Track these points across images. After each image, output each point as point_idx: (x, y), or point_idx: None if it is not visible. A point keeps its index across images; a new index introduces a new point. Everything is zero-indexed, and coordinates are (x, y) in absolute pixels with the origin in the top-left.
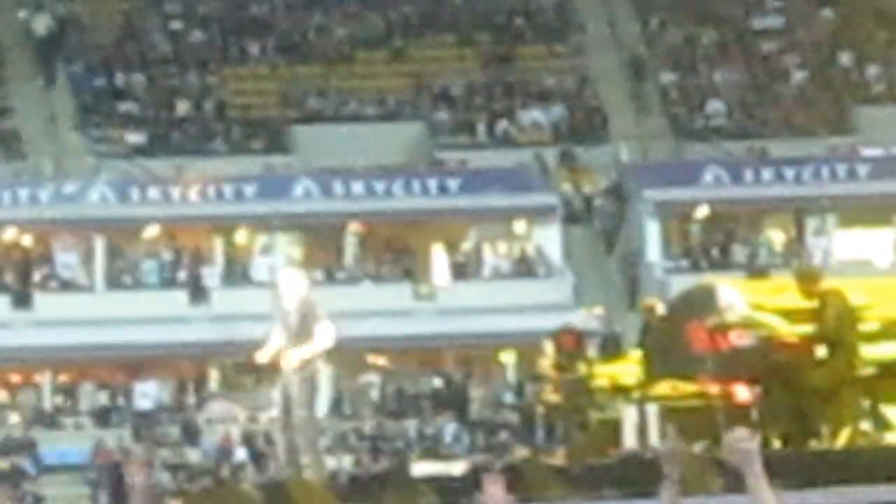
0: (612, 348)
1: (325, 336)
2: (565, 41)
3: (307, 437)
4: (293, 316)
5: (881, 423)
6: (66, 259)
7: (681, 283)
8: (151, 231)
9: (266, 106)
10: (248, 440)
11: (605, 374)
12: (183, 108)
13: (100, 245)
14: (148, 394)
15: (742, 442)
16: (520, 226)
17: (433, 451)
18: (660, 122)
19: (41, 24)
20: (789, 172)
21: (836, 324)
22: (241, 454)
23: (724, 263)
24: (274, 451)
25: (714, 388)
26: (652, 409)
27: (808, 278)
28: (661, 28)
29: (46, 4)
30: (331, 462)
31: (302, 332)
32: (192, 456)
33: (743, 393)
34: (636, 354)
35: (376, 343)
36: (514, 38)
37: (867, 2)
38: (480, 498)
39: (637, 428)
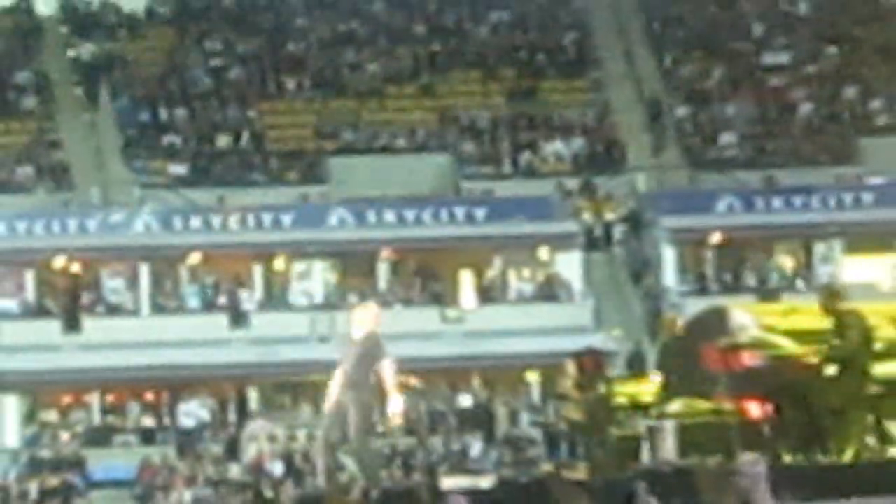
0: (637, 366)
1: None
2: (585, 76)
3: (362, 457)
4: (357, 348)
5: (885, 439)
6: (113, 285)
7: (695, 306)
8: (193, 258)
9: (302, 138)
10: (286, 457)
11: (624, 392)
12: (223, 140)
13: (144, 271)
14: (191, 413)
15: (749, 465)
16: (543, 252)
17: (461, 466)
18: (675, 153)
19: (86, 53)
20: (798, 200)
21: (857, 342)
22: (278, 469)
23: (735, 287)
24: (311, 467)
25: (728, 406)
26: (669, 426)
27: (831, 296)
28: (675, 64)
29: (94, 40)
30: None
31: (363, 363)
32: (233, 472)
33: (755, 410)
34: (654, 374)
35: (407, 364)
36: (536, 74)
37: (870, 38)
38: None
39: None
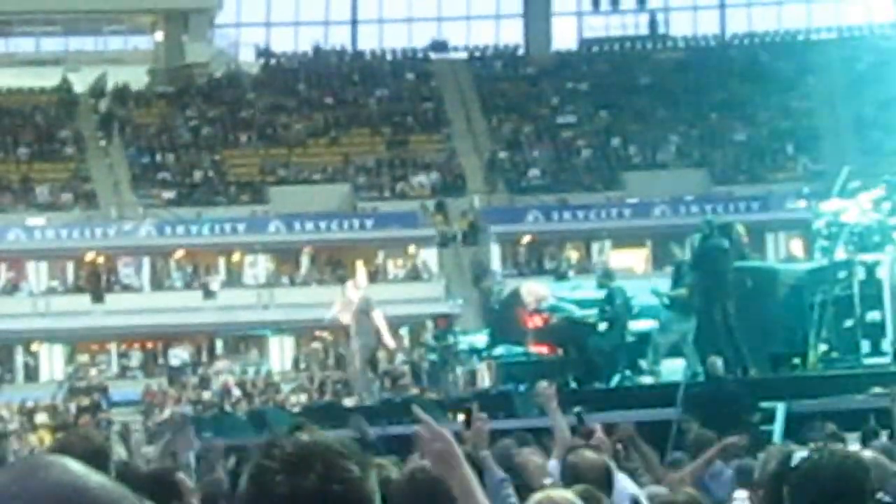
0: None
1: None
2: (439, 132)
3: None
4: (356, 306)
5: (637, 372)
6: (125, 272)
7: (513, 284)
8: (179, 254)
9: (251, 174)
10: (241, 385)
11: (465, 341)
12: (198, 175)
13: (146, 263)
14: (177, 356)
15: (544, 389)
16: (411, 249)
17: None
18: (500, 183)
19: (107, 117)
20: (581, 214)
21: (620, 307)
22: (236, 393)
23: (539, 271)
24: (258, 391)
25: (535, 350)
26: (494, 364)
27: (605, 277)
28: (499, 123)
29: (112, 108)
30: (293, 399)
31: (362, 316)
32: (205, 395)
33: (552, 352)
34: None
35: (320, 324)
36: (406, 130)
37: (629, 106)
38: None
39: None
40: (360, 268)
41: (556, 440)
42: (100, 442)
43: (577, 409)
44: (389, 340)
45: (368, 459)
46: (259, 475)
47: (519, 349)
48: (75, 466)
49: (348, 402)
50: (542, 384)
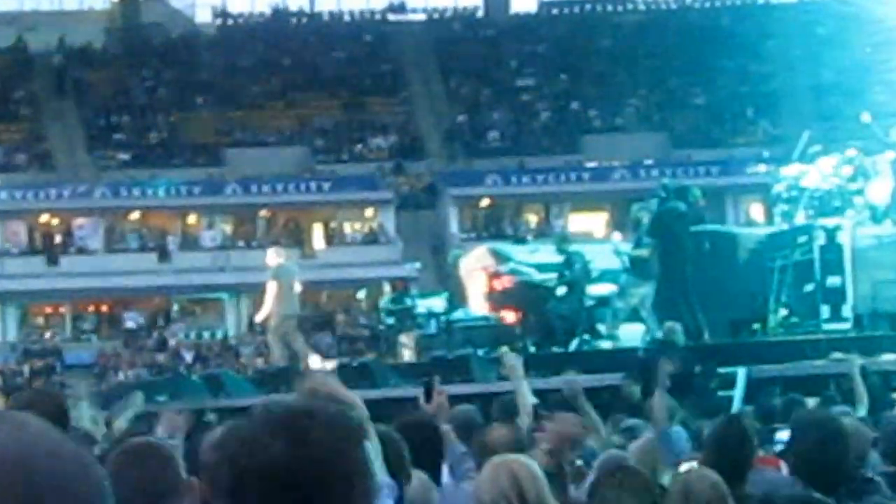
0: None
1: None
2: (397, 94)
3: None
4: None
5: (596, 336)
6: (80, 233)
7: (470, 247)
8: (134, 215)
9: (207, 135)
10: (197, 348)
11: (423, 305)
12: (154, 137)
13: (101, 224)
14: (132, 319)
15: (509, 359)
16: (369, 212)
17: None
18: (458, 145)
19: (63, 78)
20: (540, 177)
21: (579, 272)
22: (189, 357)
23: (498, 234)
24: (213, 355)
25: (493, 314)
26: (455, 327)
27: (563, 241)
28: (457, 85)
29: (68, 68)
30: (250, 363)
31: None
32: (160, 358)
33: (510, 316)
34: (441, 293)
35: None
36: (364, 92)
37: (588, 68)
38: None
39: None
40: (318, 230)
41: (520, 410)
42: (61, 401)
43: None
44: (260, 315)
45: (359, 426)
46: (242, 444)
47: (478, 313)
48: (46, 428)
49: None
50: (508, 355)
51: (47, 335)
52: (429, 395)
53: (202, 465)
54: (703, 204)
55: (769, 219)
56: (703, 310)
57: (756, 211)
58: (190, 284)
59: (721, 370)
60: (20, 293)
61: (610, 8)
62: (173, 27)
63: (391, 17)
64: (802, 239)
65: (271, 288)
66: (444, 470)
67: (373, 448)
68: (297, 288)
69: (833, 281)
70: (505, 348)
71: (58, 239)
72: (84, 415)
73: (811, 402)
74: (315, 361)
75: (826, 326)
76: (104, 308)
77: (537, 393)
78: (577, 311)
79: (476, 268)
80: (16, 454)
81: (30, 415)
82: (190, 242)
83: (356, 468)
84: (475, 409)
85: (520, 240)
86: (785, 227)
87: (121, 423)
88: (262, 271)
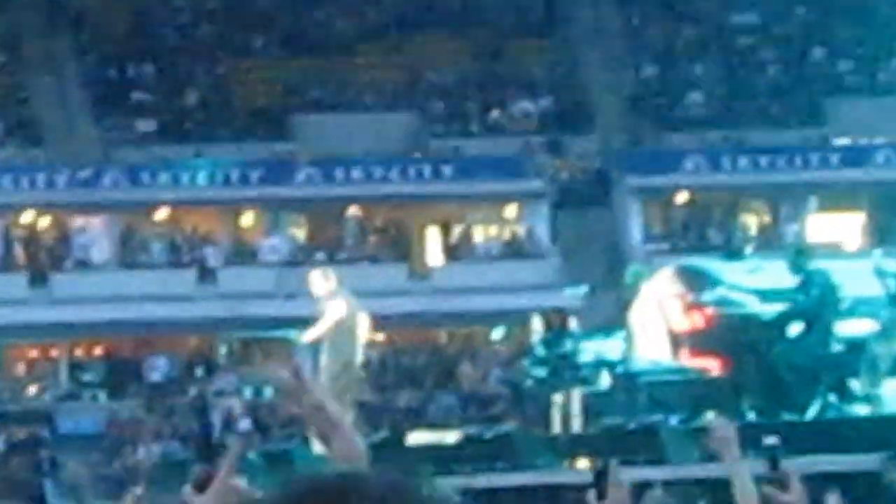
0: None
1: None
2: (553, 36)
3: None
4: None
5: (847, 397)
6: (81, 240)
7: (661, 264)
8: (161, 213)
9: (269, 95)
10: (253, 411)
11: (590, 349)
12: (191, 97)
13: (113, 227)
14: (158, 367)
15: (720, 430)
16: (510, 210)
17: (427, 422)
18: (642, 112)
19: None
20: (764, 160)
21: (819, 301)
22: (245, 424)
23: (701, 245)
24: (278, 423)
25: (691, 363)
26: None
27: (800, 255)
28: (642, 24)
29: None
30: None
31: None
32: (200, 427)
33: (718, 367)
34: (619, 331)
35: (373, 321)
36: (503, 33)
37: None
38: None
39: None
40: (433, 237)
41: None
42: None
43: (770, 440)
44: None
45: None
46: None
47: (669, 363)
48: None
49: (418, 436)
50: (718, 423)
51: (32, 391)
52: (601, 486)
53: None
54: None
55: None
56: None
57: None
58: (244, 316)
59: None
60: None
61: None
62: None
63: None
64: None
65: (327, 323)
66: None
67: None
68: (363, 325)
69: None
70: (712, 414)
71: (48, 248)
72: None
73: None
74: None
75: None
76: (116, 351)
77: (762, 481)
78: (820, 359)
79: (668, 294)
80: None
81: None
82: (244, 254)
83: None
84: (676, 501)
85: (733, 253)
86: None
87: None
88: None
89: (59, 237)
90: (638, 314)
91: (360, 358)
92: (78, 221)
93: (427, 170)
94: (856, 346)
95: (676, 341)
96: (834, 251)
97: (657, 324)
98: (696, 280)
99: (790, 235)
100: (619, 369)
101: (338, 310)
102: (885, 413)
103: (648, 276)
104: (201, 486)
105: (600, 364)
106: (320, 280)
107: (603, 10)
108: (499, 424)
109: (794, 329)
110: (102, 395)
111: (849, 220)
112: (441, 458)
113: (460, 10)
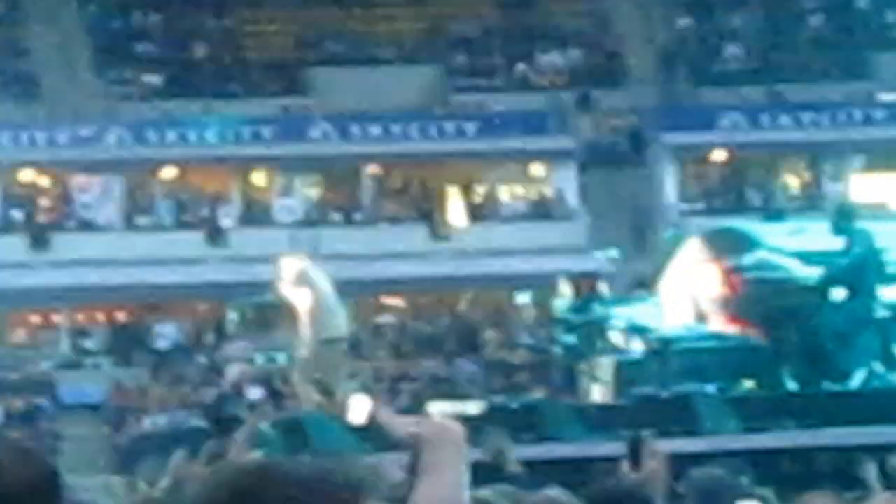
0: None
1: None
2: None
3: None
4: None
5: (894, 366)
6: (84, 200)
7: (697, 226)
8: (168, 172)
9: (283, 48)
10: (265, 380)
11: (622, 315)
12: (200, 50)
13: (117, 186)
14: (165, 334)
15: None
16: (536, 169)
17: (449, 391)
18: (678, 65)
19: None
20: (806, 117)
21: (863, 264)
22: (256, 393)
23: (739, 207)
24: (290, 389)
25: (730, 330)
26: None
27: (845, 214)
28: None
29: None
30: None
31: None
32: (209, 395)
33: (757, 334)
34: (654, 296)
35: (392, 285)
36: None
37: None
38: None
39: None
40: (455, 197)
41: None
42: (50, 467)
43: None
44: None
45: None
46: None
47: (705, 329)
48: None
49: (439, 406)
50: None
51: (32, 358)
52: (636, 457)
53: None
54: None
55: None
56: None
57: None
58: (256, 281)
59: None
60: None
61: None
62: None
63: None
64: None
65: (301, 301)
66: None
67: None
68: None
69: None
70: (750, 383)
71: (48, 209)
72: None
73: None
74: (359, 405)
75: None
76: (121, 317)
77: (802, 453)
78: (864, 324)
79: (704, 258)
80: None
81: None
82: (257, 214)
83: None
84: (724, 473)
85: (774, 214)
86: None
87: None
88: (364, 260)
89: (60, 197)
90: (668, 283)
91: (341, 333)
92: (80, 180)
93: (449, 126)
94: None
95: (712, 308)
96: (879, 212)
97: (685, 295)
98: (734, 243)
99: (833, 196)
100: (653, 337)
101: (303, 301)
102: None
103: (685, 239)
104: (212, 461)
105: (633, 331)
106: (290, 264)
107: None
108: (524, 394)
109: (837, 294)
110: (106, 363)
111: (894, 180)
112: (477, 428)
113: None
